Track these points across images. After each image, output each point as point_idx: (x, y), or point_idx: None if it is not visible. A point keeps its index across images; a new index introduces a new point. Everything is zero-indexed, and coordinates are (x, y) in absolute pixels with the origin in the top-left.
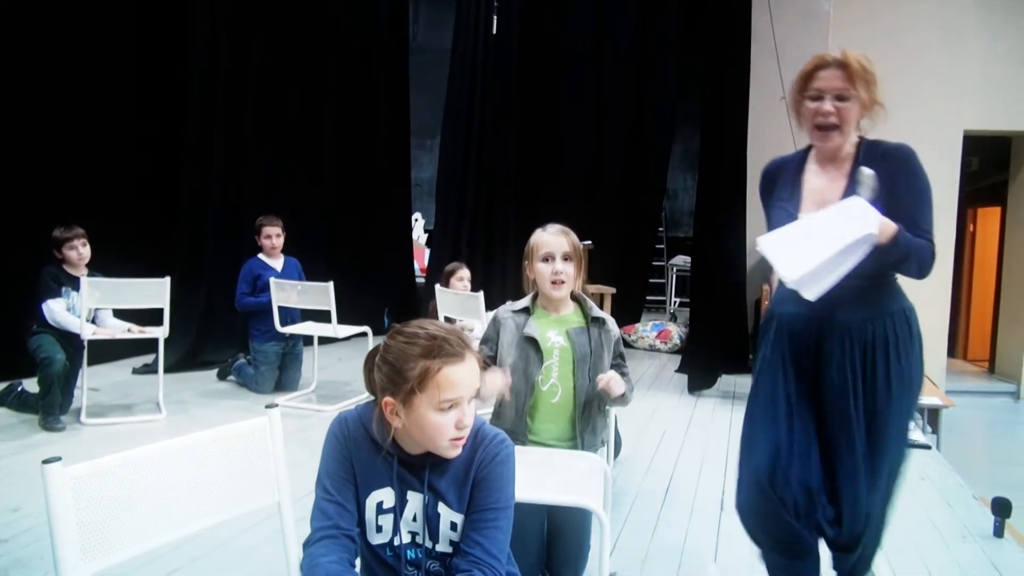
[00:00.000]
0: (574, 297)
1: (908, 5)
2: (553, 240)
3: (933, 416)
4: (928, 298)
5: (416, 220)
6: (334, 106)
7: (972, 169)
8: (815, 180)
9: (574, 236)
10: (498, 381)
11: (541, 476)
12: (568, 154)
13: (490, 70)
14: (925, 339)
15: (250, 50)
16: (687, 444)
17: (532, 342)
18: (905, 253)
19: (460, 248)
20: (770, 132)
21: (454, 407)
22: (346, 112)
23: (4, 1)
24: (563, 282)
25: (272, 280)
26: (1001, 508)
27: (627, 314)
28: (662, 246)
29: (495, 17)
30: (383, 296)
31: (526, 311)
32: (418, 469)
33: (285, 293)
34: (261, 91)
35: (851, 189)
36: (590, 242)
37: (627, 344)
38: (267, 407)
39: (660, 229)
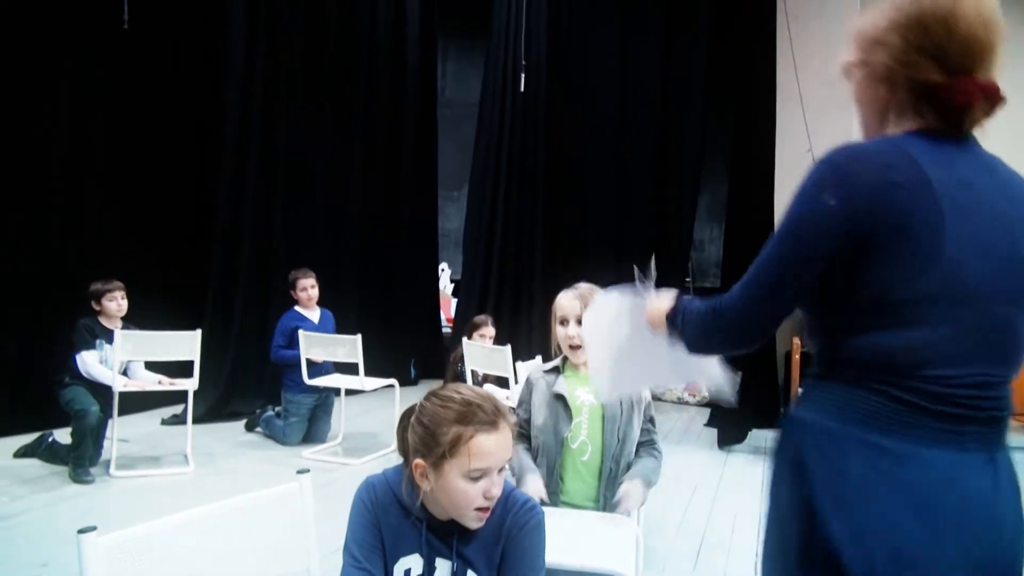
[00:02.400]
0: None
1: None
2: (568, 304)
3: None
4: None
5: (443, 270)
6: (363, 158)
7: None
8: None
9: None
10: (537, 490)
11: (571, 540)
12: (594, 205)
13: (517, 125)
14: None
15: (280, 102)
16: (718, 502)
17: (561, 399)
18: (684, 335)
19: (487, 299)
20: (797, 182)
21: (483, 476)
22: (375, 164)
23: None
24: (577, 346)
25: (301, 333)
26: None
27: None
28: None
29: (523, 75)
30: (410, 347)
31: (556, 370)
32: (447, 535)
33: (312, 345)
34: (292, 144)
35: None
36: None
37: (655, 397)
38: (298, 472)
39: (687, 280)
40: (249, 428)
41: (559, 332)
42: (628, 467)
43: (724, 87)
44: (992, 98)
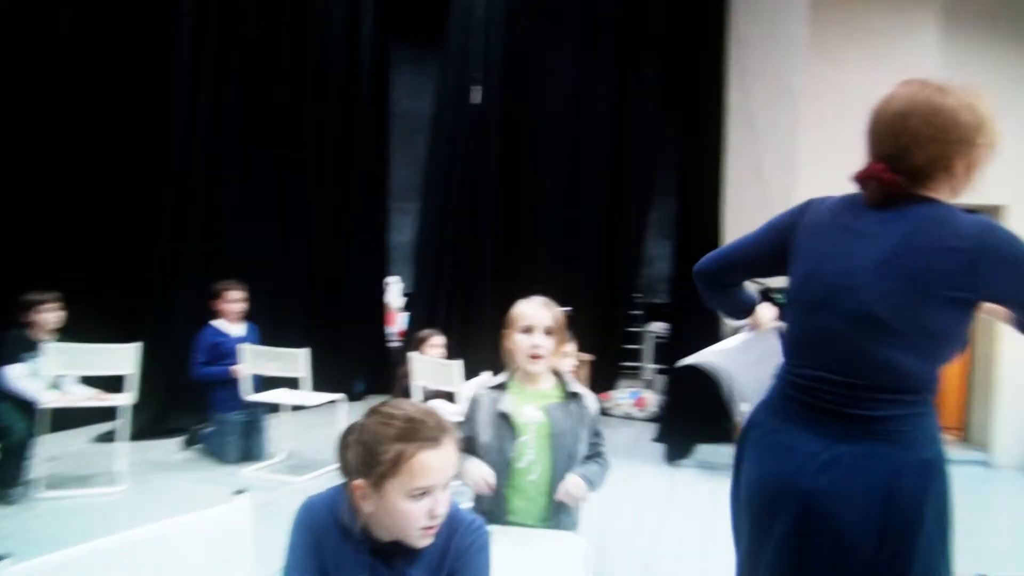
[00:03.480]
0: (554, 371)
1: (880, 84)
2: (535, 313)
3: None
4: None
5: (390, 283)
6: (312, 167)
7: None
8: None
9: (557, 310)
10: (482, 473)
11: (518, 558)
12: (545, 220)
13: (472, 138)
14: None
15: (229, 111)
16: (666, 519)
17: (505, 418)
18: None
19: (437, 312)
20: (745, 200)
21: (427, 495)
22: (324, 174)
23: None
24: (541, 356)
25: (247, 347)
26: None
27: (603, 381)
28: (639, 312)
29: (477, 87)
30: (356, 361)
31: (502, 386)
32: (391, 557)
33: (256, 360)
34: (240, 153)
35: None
36: (570, 308)
37: (602, 412)
38: (235, 493)
39: (638, 296)
40: (188, 445)
41: (521, 340)
42: None
43: (675, 106)
44: (877, 180)
